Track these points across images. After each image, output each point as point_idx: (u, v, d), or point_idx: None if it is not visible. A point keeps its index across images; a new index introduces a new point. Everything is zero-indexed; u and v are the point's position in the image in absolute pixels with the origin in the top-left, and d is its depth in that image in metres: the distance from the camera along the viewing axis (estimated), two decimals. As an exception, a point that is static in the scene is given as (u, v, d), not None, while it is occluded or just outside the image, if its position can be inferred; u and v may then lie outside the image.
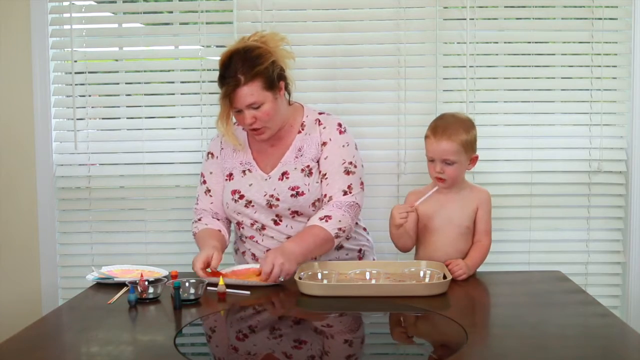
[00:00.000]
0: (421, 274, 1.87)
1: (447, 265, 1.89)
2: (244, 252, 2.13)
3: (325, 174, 2.04)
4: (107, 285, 1.88)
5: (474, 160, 2.01)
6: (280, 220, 2.03)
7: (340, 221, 1.97)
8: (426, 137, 1.99)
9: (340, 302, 1.69)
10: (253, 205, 2.03)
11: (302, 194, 2.01)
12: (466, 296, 1.79)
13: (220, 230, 2.06)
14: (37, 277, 2.65)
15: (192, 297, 1.72)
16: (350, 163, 2.04)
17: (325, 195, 2.04)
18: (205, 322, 1.58)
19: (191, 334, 1.52)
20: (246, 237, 2.10)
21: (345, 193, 2.01)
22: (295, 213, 2.02)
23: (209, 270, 1.87)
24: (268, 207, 2.02)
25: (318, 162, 2.05)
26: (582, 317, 1.63)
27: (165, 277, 1.88)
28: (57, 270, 2.66)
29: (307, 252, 1.93)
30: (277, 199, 2.01)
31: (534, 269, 2.51)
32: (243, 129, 2.08)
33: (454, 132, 1.93)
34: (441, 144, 1.93)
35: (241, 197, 2.04)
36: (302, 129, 2.08)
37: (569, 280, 1.94)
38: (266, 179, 2.04)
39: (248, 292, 1.78)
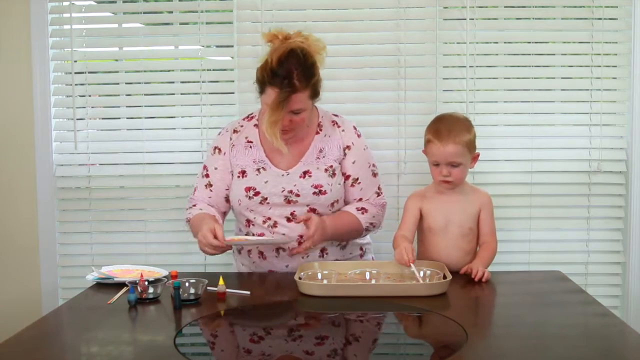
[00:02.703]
0: (421, 273, 1.87)
1: (470, 273, 1.89)
2: (249, 251, 2.11)
3: (357, 179, 2.09)
4: (107, 285, 1.88)
5: (475, 158, 2.00)
6: (294, 217, 2.03)
7: (374, 217, 2.09)
8: (428, 141, 1.97)
9: (340, 302, 1.69)
10: (268, 202, 2.02)
11: (325, 192, 2.02)
12: (466, 296, 1.79)
13: (214, 216, 2.06)
14: (37, 277, 2.65)
15: (192, 297, 1.72)
16: (374, 165, 2.14)
17: (361, 199, 2.10)
18: (206, 326, 1.58)
19: (191, 334, 1.52)
20: (254, 235, 2.08)
21: (377, 194, 2.13)
22: (313, 211, 2.02)
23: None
24: (286, 202, 2.01)
25: (340, 163, 2.08)
26: (582, 317, 1.63)
27: (165, 277, 1.88)
28: (57, 270, 2.66)
29: (338, 235, 2.03)
30: (297, 195, 2.01)
31: (534, 269, 2.51)
32: (255, 125, 2.10)
33: (458, 134, 1.92)
34: (447, 148, 1.92)
35: (256, 193, 2.02)
36: (320, 130, 2.09)
37: (569, 280, 1.94)
38: (283, 175, 2.03)
39: (248, 292, 1.77)
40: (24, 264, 2.65)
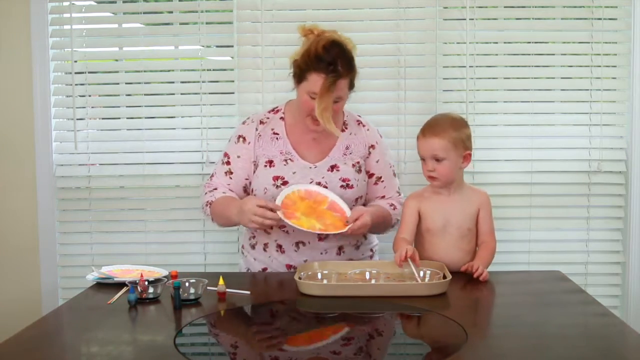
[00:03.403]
0: (421, 273, 1.87)
1: (471, 271, 1.90)
2: (266, 244, 2.08)
3: (380, 177, 2.16)
4: (107, 285, 1.88)
5: (466, 158, 2.00)
6: None
7: (398, 214, 2.13)
8: (417, 138, 2.01)
9: (340, 302, 1.69)
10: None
11: (352, 187, 2.05)
12: (466, 296, 1.79)
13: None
14: (37, 277, 2.65)
15: (192, 297, 1.72)
16: (393, 167, 2.22)
17: (384, 197, 2.17)
18: (206, 326, 1.58)
19: (191, 333, 1.52)
20: (274, 227, 2.04)
21: (399, 194, 2.21)
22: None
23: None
24: None
25: (365, 161, 2.12)
26: (582, 317, 1.63)
27: (165, 277, 1.88)
28: (57, 270, 2.66)
29: (376, 225, 2.03)
30: (325, 187, 2.03)
31: (534, 269, 2.52)
32: (281, 118, 2.12)
33: (441, 129, 1.95)
34: (429, 141, 1.95)
35: (284, 183, 2.03)
36: (346, 128, 2.14)
37: (569, 280, 1.94)
38: (311, 167, 2.05)
39: (248, 292, 1.77)
40: (24, 264, 2.65)
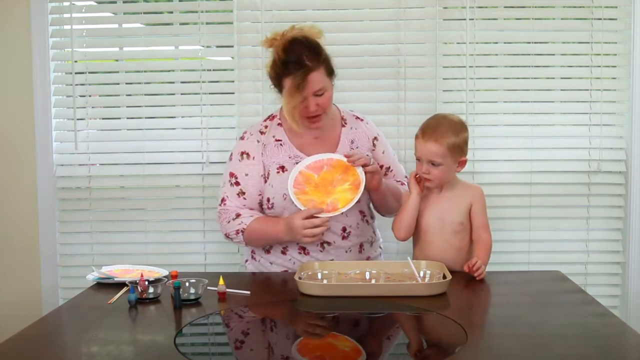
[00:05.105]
0: (421, 273, 1.87)
1: (471, 269, 1.89)
2: (285, 247, 2.06)
3: (389, 167, 2.21)
4: (107, 285, 1.88)
5: (462, 163, 1.99)
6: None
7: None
8: (416, 136, 2.00)
9: (340, 302, 1.70)
10: None
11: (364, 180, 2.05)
12: (466, 296, 1.79)
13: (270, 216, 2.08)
14: (37, 277, 2.66)
15: (192, 297, 1.72)
16: (395, 155, 2.28)
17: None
18: (206, 326, 1.58)
19: (191, 333, 1.52)
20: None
21: (406, 178, 2.24)
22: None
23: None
24: None
25: (371, 154, 2.14)
26: (581, 317, 1.63)
27: (165, 277, 1.88)
28: (57, 270, 2.67)
29: (387, 187, 2.07)
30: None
31: (534, 269, 2.52)
32: (278, 124, 2.11)
33: (441, 135, 1.93)
34: (428, 145, 1.94)
35: None
36: (345, 124, 2.15)
37: (569, 280, 1.94)
38: None
39: (248, 292, 1.78)
40: (24, 264, 2.66)
